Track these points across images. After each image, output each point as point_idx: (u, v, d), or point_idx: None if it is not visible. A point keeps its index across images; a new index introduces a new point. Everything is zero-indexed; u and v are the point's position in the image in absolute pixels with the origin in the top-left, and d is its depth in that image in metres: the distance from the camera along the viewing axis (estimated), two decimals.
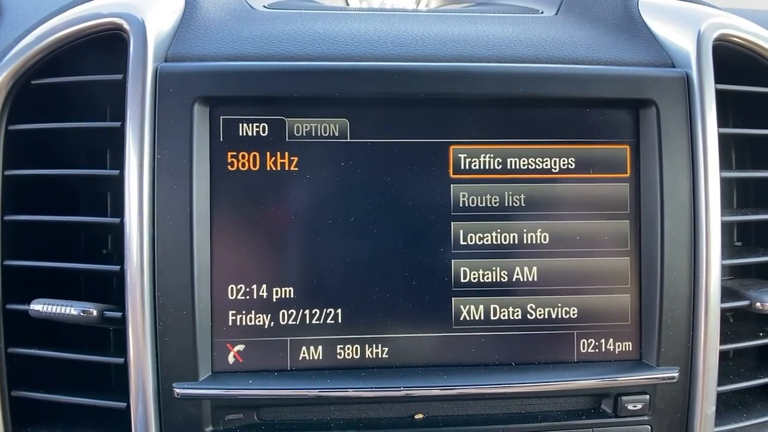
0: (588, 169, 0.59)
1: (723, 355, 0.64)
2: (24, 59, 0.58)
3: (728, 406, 0.65)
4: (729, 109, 0.69)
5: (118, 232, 0.57)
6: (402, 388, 0.55)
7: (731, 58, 0.64)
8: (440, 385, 0.55)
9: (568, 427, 0.58)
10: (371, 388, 0.55)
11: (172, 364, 0.55)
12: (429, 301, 0.58)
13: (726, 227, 0.69)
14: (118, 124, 0.57)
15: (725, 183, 0.68)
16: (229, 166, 0.56)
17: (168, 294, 0.54)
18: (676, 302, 0.58)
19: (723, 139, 0.67)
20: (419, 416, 0.58)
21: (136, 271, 0.54)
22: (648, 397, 0.59)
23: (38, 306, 0.56)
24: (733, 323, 0.69)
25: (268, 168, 0.57)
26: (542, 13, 0.78)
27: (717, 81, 0.60)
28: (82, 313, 0.56)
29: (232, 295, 0.56)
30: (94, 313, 0.56)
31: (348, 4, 1.20)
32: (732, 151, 0.70)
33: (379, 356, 0.57)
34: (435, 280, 0.58)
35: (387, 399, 0.56)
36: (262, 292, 0.57)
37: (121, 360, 0.56)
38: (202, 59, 0.58)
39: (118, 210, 0.56)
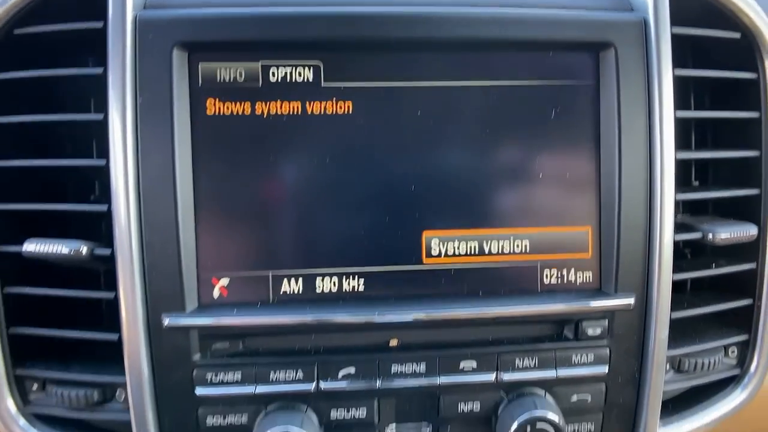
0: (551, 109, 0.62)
1: (680, 286, 0.69)
2: (6, 9, 0.60)
3: (684, 333, 0.69)
4: (689, 54, 0.72)
5: (104, 177, 0.59)
6: (377, 314, 0.59)
7: (695, 6, 0.67)
8: (412, 311, 0.59)
9: (533, 350, 0.62)
10: (348, 314, 0.59)
11: (160, 298, 0.58)
12: (401, 236, 0.61)
13: (684, 168, 0.73)
14: (100, 70, 0.59)
15: (684, 124, 0.71)
16: (207, 110, 0.59)
17: (154, 231, 0.58)
18: (632, 234, 0.62)
19: (683, 83, 0.71)
20: (394, 342, 0.62)
21: (123, 210, 0.57)
22: (607, 322, 0.63)
23: (31, 246, 0.59)
24: (691, 259, 0.74)
25: (244, 112, 0.59)
26: None
27: (674, 25, 0.63)
28: (72, 252, 0.59)
29: (216, 232, 0.59)
30: (84, 250, 0.59)
31: None
32: (691, 94, 0.74)
33: (356, 289, 0.61)
34: (407, 217, 0.61)
35: (363, 326, 0.60)
36: (245, 228, 0.60)
37: (111, 295, 0.59)
38: (181, 6, 0.60)
39: (104, 154, 0.59)
